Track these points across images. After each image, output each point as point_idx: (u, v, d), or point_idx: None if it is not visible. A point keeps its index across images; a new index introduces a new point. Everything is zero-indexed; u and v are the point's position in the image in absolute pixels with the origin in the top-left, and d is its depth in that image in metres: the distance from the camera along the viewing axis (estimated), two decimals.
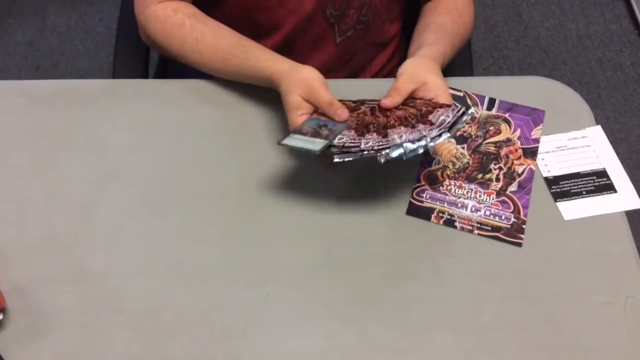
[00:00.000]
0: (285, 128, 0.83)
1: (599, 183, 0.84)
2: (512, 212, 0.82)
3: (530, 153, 0.87)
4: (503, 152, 0.87)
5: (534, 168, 0.86)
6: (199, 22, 0.89)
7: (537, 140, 0.89)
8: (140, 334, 0.73)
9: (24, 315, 0.74)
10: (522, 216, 0.82)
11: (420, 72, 0.84)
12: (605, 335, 0.73)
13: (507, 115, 0.91)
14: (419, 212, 0.82)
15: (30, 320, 0.73)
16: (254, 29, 0.97)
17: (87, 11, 2.03)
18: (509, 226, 0.81)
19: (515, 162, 0.86)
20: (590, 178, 0.85)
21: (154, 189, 0.83)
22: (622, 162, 0.86)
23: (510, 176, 0.85)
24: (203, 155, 0.86)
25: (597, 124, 0.90)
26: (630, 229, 0.81)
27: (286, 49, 0.98)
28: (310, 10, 0.94)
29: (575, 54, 1.98)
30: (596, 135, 0.89)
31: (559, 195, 0.83)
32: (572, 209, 0.82)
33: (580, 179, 0.85)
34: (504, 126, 0.90)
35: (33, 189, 0.83)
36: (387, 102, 0.81)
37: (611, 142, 0.88)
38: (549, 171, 0.85)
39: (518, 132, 0.89)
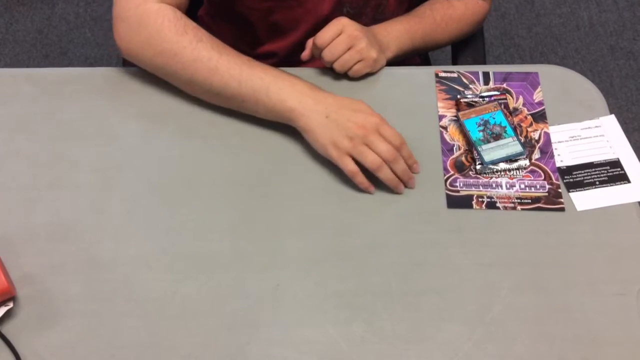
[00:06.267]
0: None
1: (613, 173, 0.83)
2: (545, 180, 0.82)
3: (539, 117, 0.88)
4: (515, 122, 0.87)
5: (547, 130, 0.86)
6: (209, 41, 0.85)
7: (541, 103, 0.89)
8: (149, 322, 0.73)
9: (34, 303, 0.74)
10: (554, 180, 0.82)
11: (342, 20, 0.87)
12: (617, 327, 0.72)
13: (505, 85, 0.91)
14: (459, 202, 0.81)
15: (39, 308, 0.74)
16: (271, 28, 0.97)
17: None
18: (547, 194, 0.81)
19: (529, 129, 0.87)
20: (604, 168, 0.84)
21: (163, 178, 0.83)
22: (635, 152, 0.85)
23: (529, 144, 0.85)
24: (212, 145, 0.86)
25: (610, 113, 0.89)
26: None
27: (302, 48, 0.98)
28: (329, 10, 0.95)
29: (587, 42, 1.95)
30: (610, 124, 0.88)
31: (572, 186, 0.82)
32: (585, 200, 0.81)
33: (593, 169, 0.84)
34: (507, 97, 0.90)
35: (42, 177, 0.83)
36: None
37: (623, 132, 0.87)
38: (562, 161, 0.84)
39: (521, 100, 0.90)
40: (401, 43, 0.93)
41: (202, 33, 0.85)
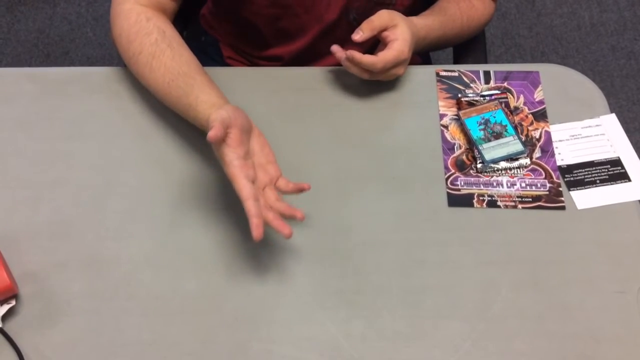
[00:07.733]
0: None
1: (613, 172, 0.84)
2: (545, 178, 0.83)
3: (540, 115, 0.88)
4: (516, 120, 0.88)
5: (548, 129, 0.87)
6: (165, 40, 0.83)
7: (542, 102, 0.89)
8: (151, 319, 0.73)
9: (36, 301, 0.74)
10: (555, 179, 0.83)
11: (396, 16, 0.85)
12: (617, 325, 0.72)
13: (505, 84, 0.91)
14: (460, 201, 0.81)
15: (42, 306, 0.74)
16: (278, 33, 0.98)
17: None
18: (548, 192, 0.82)
19: (530, 128, 0.87)
20: (604, 167, 0.84)
21: (164, 176, 0.83)
22: (636, 152, 0.85)
23: (530, 143, 0.86)
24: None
25: (611, 112, 0.89)
26: None
27: (309, 51, 0.98)
28: (336, 16, 0.95)
29: (588, 42, 1.95)
30: (610, 123, 0.88)
31: (573, 184, 0.83)
32: (586, 198, 0.81)
33: (594, 168, 0.84)
34: (508, 95, 0.90)
35: (44, 176, 0.83)
36: (357, 37, 0.84)
37: (624, 131, 0.87)
38: (562, 160, 0.85)
39: (522, 98, 0.90)
40: (432, 42, 0.93)
41: (158, 46, 0.83)
